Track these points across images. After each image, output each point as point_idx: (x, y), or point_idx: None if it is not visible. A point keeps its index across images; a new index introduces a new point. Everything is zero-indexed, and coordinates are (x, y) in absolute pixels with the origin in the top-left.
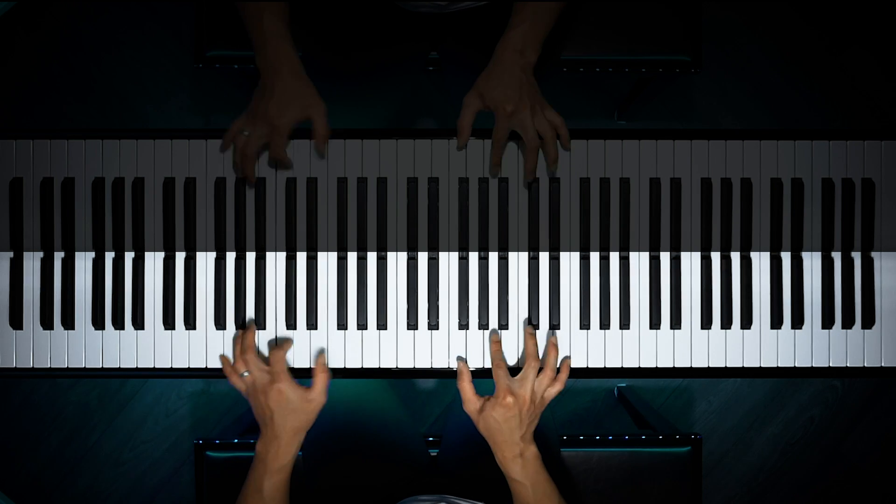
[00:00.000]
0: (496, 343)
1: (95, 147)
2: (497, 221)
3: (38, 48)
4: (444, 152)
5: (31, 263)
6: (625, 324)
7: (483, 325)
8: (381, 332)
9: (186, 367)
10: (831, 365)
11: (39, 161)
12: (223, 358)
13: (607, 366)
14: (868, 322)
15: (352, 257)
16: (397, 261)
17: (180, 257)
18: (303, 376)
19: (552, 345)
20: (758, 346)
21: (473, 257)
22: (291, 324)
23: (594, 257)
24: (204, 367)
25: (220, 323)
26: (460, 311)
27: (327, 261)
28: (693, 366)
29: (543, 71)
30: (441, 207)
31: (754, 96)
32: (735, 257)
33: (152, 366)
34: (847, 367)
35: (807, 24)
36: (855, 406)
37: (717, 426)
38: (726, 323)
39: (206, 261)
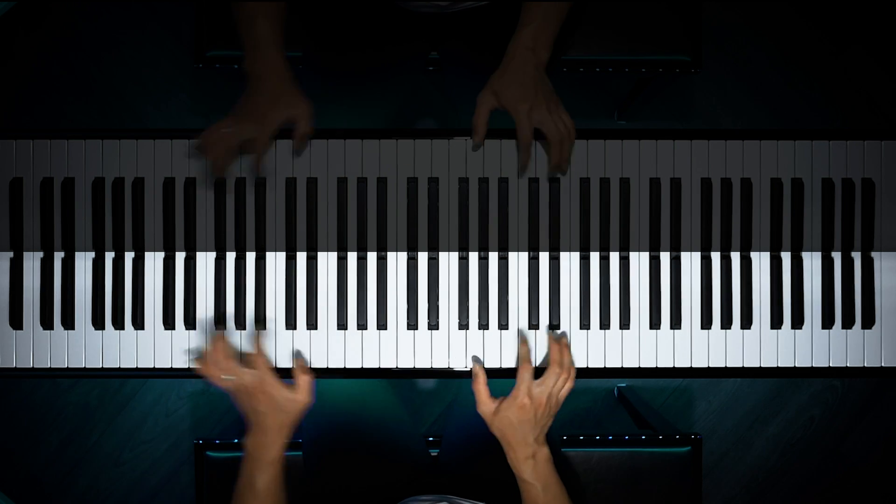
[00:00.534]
0: (525, 344)
1: (95, 147)
2: (497, 221)
3: (38, 48)
4: (444, 152)
5: (31, 263)
6: (625, 324)
7: (483, 325)
8: (381, 332)
9: (186, 367)
10: (831, 365)
11: (39, 161)
12: (198, 361)
13: (607, 366)
14: (868, 322)
15: (352, 257)
16: (397, 261)
17: (180, 257)
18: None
19: (565, 345)
20: (758, 346)
21: (473, 257)
22: (291, 324)
23: (594, 257)
24: None
25: (220, 323)
26: (460, 311)
27: (327, 261)
28: (693, 366)
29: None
30: (441, 207)
31: (754, 96)
32: (735, 257)
33: (152, 366)
34: (847, 367)
35: (807, 24)
36: (855, 406)
37: (717, 426)
38: (726, 323)
39: (206, 261)
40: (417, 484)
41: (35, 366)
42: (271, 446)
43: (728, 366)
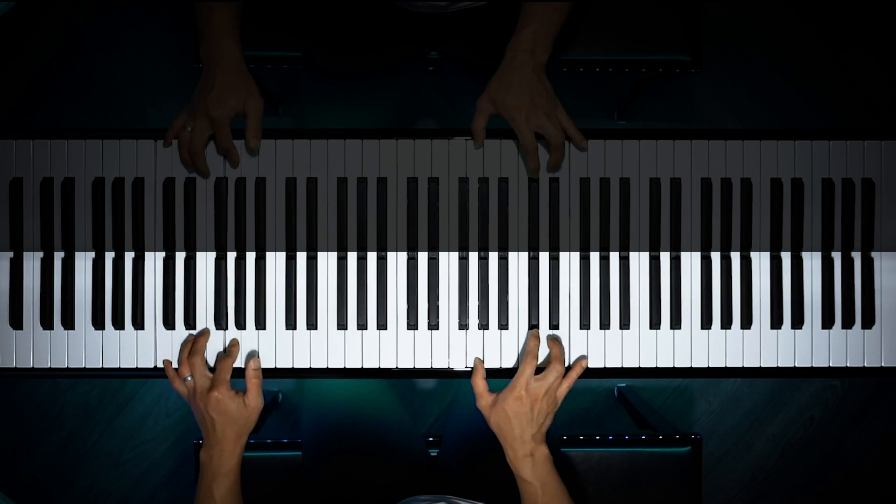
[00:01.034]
0: (536, 339)
1: (95, 147)
2: (497, 221)
3: (38, 48)
4: (444, 152)
5: (31, 263)
6: (625, 324)
7: (483, 325)
8: (381, 332)
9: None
10: (831, 365)
11: (39, 161)
12: (166, 362)
13: (607, 366)
14: (868, 322)
15: (352, 257)
16: (397, 261)
17: (180, 257)
18: (302, 377)
19: (557, 341)
20: (758, 346)
21: (473, 257)
22: (291, 324)
23: (594, 257)
24: None
25: (220, 323)
26: (460, 311)
27: (327, 261)
28: (693, 366)
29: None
30: (441, 207)
31: (754, 96)
32: (735, 257)
33: (152, 366)
34: (847, 367)
35: (807, 23)
36: (855, 406)
37: (717, 426)
38: (726, 323)
39: (206, 261)
40: (417, 484)
41: (35, 366)
42: (227, 457)
43: (728, 366)
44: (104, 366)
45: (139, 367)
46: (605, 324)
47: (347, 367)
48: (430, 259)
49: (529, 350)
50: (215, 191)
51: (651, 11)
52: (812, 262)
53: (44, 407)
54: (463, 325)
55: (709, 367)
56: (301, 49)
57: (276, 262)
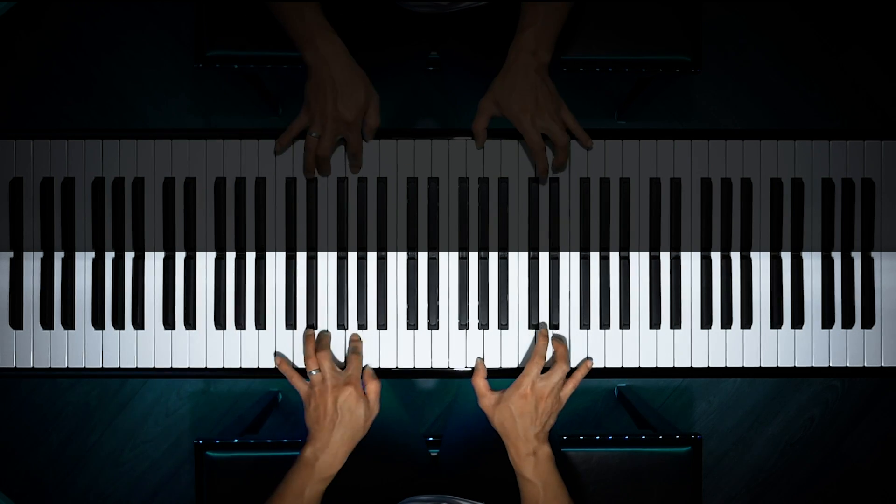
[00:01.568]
0: (545, 338)
1: (95, 147)
2: (497, 221)
3: (38, 48)
4: (444, 152)
5: (31, 263)
6: (625, 324)
7: (483, 325)
8: (381, 332)
9: (186, 367)
10: (831, 365)
11: (39, 161)
12: (280, 358)
13: (607, 366)
14: (868, 322)
15: (352, 257)
16: (397, 261)
17: (180, 257)
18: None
19: (562, 341)
20: (758, 346)
21: (473, 257)
22: (291, 324)
23: (594, 257)
24: (204, 367)
25: (220, 323)
26: (460, 311)
27: (327, 261)
28: (693, 366)
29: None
30: (441, 207)
31: (754, 96)
32: (735, 257)
33: (152, 366)
34: (847, 367)
35: (806, 24)
36: (855, 406)
37: (717, 426)
38: (726, 323)
39: (206, 261)
40: (417, 484)
41: (35, 366)
42: (333, 462)
43: (728, 366)
44: (104, 366)
45: (139, 367)
46: (605, 324)
47: None
48: (430, 259)
49: (538, 349)
50: (215, 191)
51: (651, 11)
52: (812, 262)
53: (44, 407)
54: (463, 325)
55: (709, 367)
56: None
57: (276, 262)
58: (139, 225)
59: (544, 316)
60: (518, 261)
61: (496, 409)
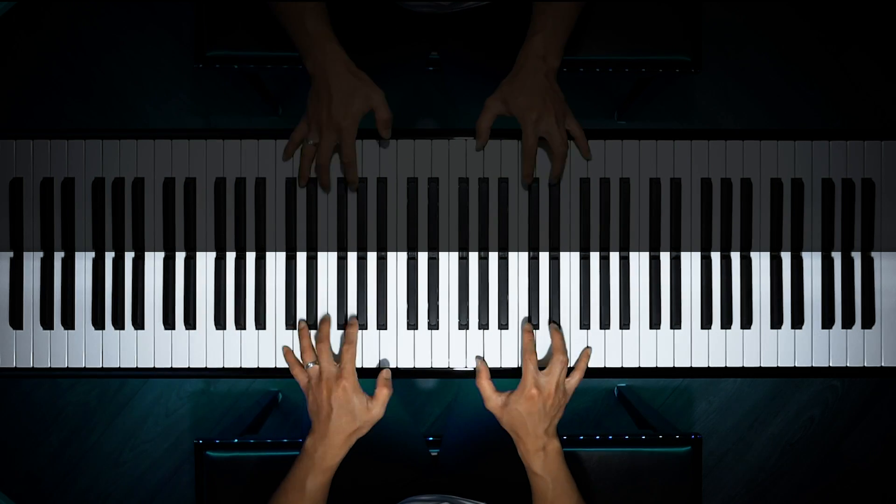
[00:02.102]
0: (529, 333)
1: (95, 147)
2: (497, 221)
3: (38, 48)
4: (444, 152)
5: (31, 263)
6: (625, 324)
7: (483, 325)
8: (381, 331)
9: (186, 366)
10: (831, 365)
11: (39, 161)
12: (286, 348)
13: (607, 366)
14: (868, 322)
15: (352, 257)
16: (397, 261)
17: (180, 257)
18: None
19: (558, 331)
20: (758, 346)
21: (473, 257)
22: (291, 324)
23: (594, 257)
24: (204, 366)
25: (220, 323)
26: (460, 311)
27: (327, 261)
28: (693, 366)
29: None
30: (441, 207)
31: (754, 96)
32: (735, 257)
33: (152, 366)
34: (847, 367)
35: (807, 24)
36: (855, 406)
37: (717, 426)
38: (726, 323)
39: (206, 261)
40: (417, 484)
41: (35, 366)
42: (333, 453)
43: (728, 366)
44: (104, 366)
45: (139, 367)
46: (605, 324)
47: None
48: (430, 259)
49: (525, 346)
50: (215, 191)
51: (651, 11)
52: (812, 262)
53: (44, 407)
54: (463, 325)
55: (709, 367)
56: None
57: (276, 262)
58: (139, 225)
59: (544, 316)
60: (518, 261)
61: (504, 412)
